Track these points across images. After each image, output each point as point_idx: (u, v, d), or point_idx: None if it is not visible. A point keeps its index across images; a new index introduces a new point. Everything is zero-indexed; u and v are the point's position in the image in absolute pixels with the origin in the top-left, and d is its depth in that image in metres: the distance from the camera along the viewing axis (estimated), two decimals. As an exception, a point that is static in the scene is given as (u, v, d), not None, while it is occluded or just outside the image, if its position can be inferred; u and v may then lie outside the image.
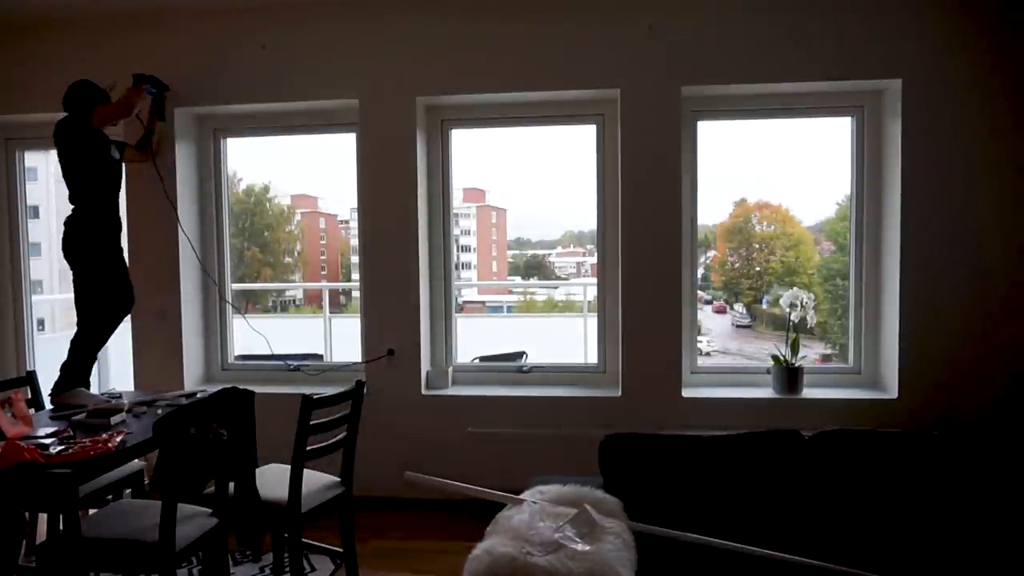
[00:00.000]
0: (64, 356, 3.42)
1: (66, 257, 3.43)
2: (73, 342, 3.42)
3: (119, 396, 3.40)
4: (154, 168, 4.00)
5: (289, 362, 4.39)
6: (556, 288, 7.48)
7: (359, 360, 4.13)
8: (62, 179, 3.46)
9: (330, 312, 6.30)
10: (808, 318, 3.88)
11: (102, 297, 3.42)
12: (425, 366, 4.08)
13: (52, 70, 4.10)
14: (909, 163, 3.62)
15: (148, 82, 3.82)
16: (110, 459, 2.46)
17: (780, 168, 4.32)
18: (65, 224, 3.42)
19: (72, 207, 3.41)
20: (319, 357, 5.15)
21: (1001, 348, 3.61)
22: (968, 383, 3.63)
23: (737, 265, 5.05)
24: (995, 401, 3.61)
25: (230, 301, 4.40)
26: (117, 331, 3.61)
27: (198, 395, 3.33)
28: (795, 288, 3.99)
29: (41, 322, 4.96)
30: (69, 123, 3.39)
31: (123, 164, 3.68)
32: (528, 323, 7.50)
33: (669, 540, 2.20)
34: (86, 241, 3.39)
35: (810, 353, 4.25)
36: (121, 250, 3.58)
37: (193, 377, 4.24)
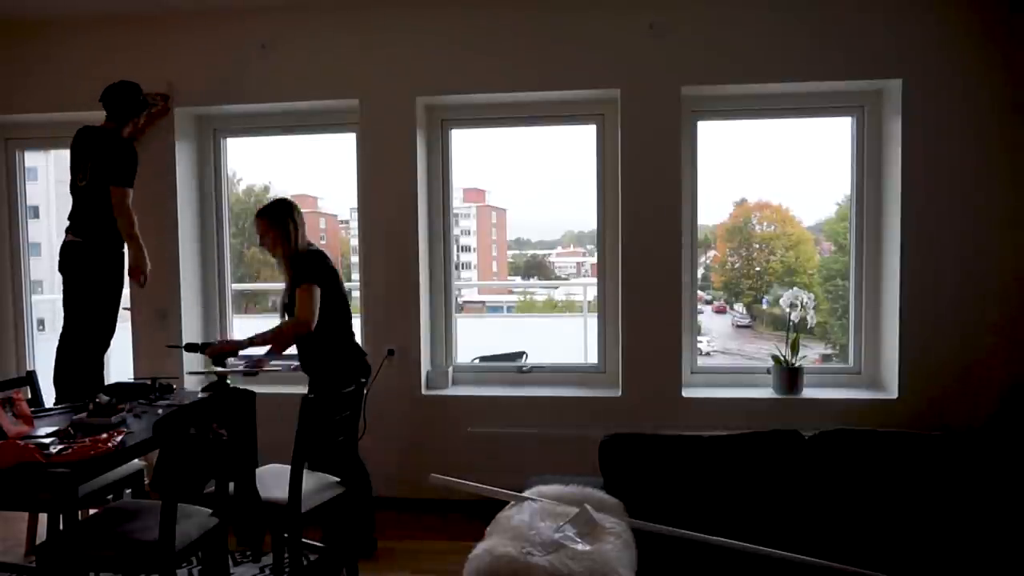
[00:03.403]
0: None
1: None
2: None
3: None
4: (153, 164, 4.03)
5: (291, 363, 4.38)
6: (556, 288, 7.46)
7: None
8: (59, 181, 3.50)
9: (330, 312, 6.27)
10: (808, 318, 3.88)
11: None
12: (425, 366, 4.08)
13: (52, 70, 4.10)
14: (909, 163, 3.62)
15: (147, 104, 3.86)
16: (110, 459, 2.45)
17: (780, 168, 4.32)
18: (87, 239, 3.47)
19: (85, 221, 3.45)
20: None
21: (1001, 348, 3.61)
22: (968, 383, 3.63)
23: (737, 265, 5.04)
24: (995, 401, 3.60)
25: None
26: (118, 330, 3.63)
27: (198, 395, 3.32)
28: (795, 288, 3.99)
29: (41, 322, 4.95)
30: (114, 134, 3.52)
31: None
32: (528, 323, 7.47)
33: (670, 539, 2.20)
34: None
35: (810, 353, 4.24)
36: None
37: (193, 377, 4.23)
